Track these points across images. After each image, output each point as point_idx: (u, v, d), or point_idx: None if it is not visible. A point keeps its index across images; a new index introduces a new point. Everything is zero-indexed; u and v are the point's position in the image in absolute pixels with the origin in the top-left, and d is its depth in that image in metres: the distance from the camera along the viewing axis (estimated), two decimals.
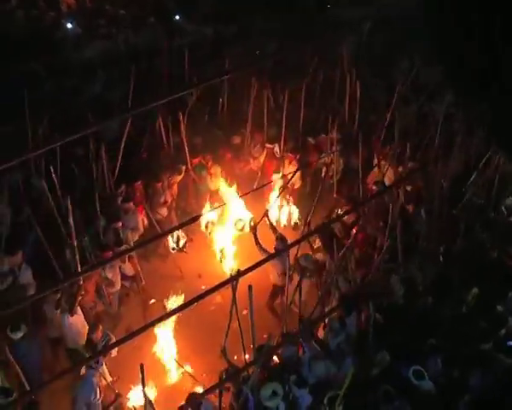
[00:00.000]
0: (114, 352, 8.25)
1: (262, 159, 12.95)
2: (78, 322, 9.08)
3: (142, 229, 11.34)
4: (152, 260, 11.78)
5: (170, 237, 11.39)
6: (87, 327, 9.15)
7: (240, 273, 7.63)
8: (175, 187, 12.11)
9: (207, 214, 11.42)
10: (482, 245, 9.98)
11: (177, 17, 17.56)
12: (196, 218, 9.75)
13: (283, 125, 12.49)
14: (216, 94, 13.33)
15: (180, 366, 9.17)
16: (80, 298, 8.98)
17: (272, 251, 9.74)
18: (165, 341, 9.35)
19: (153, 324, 7.33)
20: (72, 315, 8.92)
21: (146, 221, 11.49)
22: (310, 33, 16.30)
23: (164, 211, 11.80)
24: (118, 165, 11.33)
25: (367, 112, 13.17)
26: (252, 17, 16.62)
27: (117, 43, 16.20)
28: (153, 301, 10.91)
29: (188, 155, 11.87)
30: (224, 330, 8.17)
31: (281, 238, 10.00)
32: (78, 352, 9.04)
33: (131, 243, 10.75)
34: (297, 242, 9.06)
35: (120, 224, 10.67)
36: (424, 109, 13.60)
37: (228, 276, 9.55)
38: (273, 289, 10.40)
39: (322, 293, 9.46)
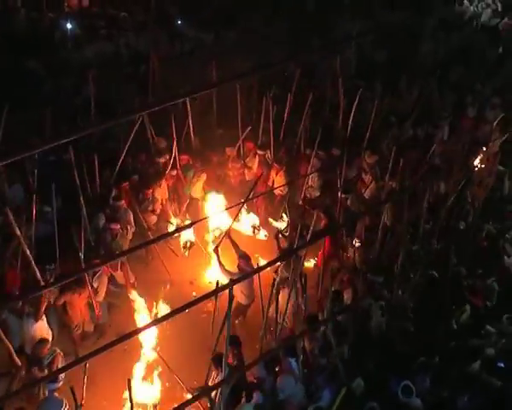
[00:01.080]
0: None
1: (255, 167, 12.94)
2: (42, 328, 8.88)
3: (133, 225, 11.23)
4: (141, 267, 11.55)
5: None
6: (50, 334, 9.01)
7: (218, 289, 7.47)
8: (164, 190, 12.02)
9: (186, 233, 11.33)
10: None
11: (179, 22, 17.59)
12: (186, 227, 9.90)
13: (271, 133, 12.53)
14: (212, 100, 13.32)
15: (171, 370, 9.04)
16: (45, 304, 8.78)
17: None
18: (154, 347, 9.29)
19: (139, 331, 7.23)
20: (36, 320, 8.76)
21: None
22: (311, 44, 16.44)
23: (153, 218, 11.75)
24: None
25: (357, 126, 13.07)
26: (253, 24, 16.65)
27: (117, 45, 16.22)
28: (144, 306, 10.77)
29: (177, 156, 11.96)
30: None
31: (243, 256, 9.85)
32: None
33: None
34: (262, 267, 8.35)
35: (118, 226, 10.59)
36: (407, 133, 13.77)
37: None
38: (236, 307, 9.95)
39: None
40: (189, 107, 12.03)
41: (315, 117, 13.21)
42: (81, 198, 10.13)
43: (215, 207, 11.81)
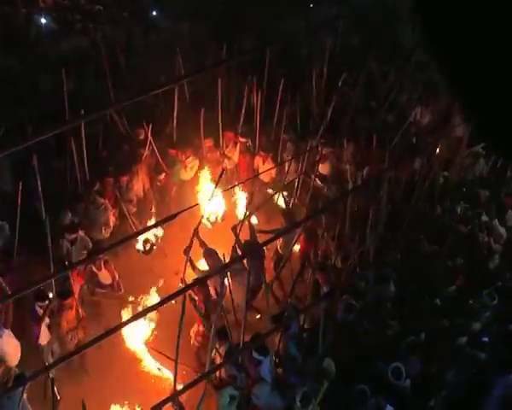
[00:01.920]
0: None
1: (236, 156, 12.88)
2: (10, 338, 8.63)
3: (112, 225, 11.11)
4: (124, 259, 11.44)
5: (138, 240, 11.08)
6: (19, 345, 8.74)
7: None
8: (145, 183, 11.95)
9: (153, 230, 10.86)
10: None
11: (154, 13, 17.48)
12: (170, 217, 9.04)
13: (257, 120, 12.43)
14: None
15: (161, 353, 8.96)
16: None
17: None
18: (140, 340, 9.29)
19: (124, 324, 7.20)
20: (6, 327, 8.50)
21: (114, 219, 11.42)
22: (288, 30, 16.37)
23: (132, 207, 11.68)
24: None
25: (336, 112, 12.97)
26: (229, 13, 16.50)
27: (94, 39, 16.07)
28: (131, 298, 10.73)
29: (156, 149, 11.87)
30: None
31: (209, 252, 9.81)
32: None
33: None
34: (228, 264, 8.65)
35: (74, 236, 10.11)
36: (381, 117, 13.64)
37: None
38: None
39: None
40: (176, 97, 11.91)
41: (293, 103, 13.20)
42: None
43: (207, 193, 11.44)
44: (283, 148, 12.80)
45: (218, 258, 9.64)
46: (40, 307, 8.87)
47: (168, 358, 8.52)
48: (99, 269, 10.07)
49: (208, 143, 12.59)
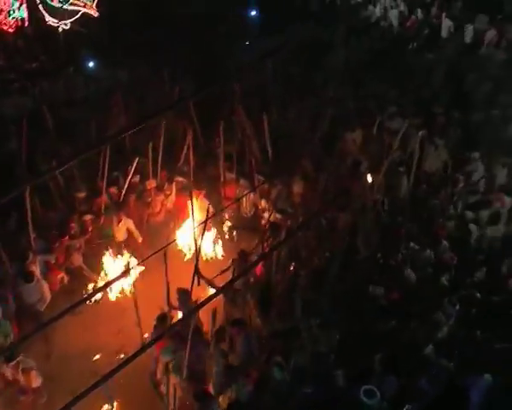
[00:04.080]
0: None
1: (173, 195, 12.89)
2: None
3: (48, 297, 10.62)
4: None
5: None
6: None
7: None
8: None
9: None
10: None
11: (91, 64, 17.43)
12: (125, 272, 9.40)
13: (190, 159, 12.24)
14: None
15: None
16: None
17: None
18: None
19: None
20: None
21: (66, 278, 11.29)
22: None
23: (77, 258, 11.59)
24: None
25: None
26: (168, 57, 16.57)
27: (33, 96, 15.92)
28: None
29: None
30: None
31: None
32: None
33: None
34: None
35: None
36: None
37: None
38: None
39: None
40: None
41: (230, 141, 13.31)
42: None
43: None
44: (224, 185, 12.98)
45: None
46: None
47: None
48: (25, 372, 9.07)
49: (151, 184, 12.65)
